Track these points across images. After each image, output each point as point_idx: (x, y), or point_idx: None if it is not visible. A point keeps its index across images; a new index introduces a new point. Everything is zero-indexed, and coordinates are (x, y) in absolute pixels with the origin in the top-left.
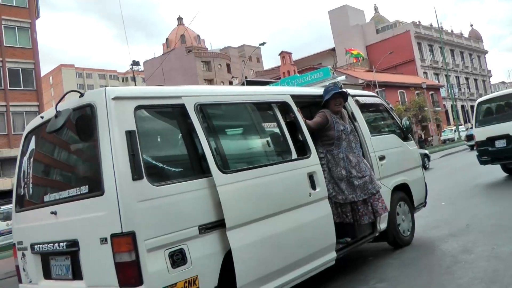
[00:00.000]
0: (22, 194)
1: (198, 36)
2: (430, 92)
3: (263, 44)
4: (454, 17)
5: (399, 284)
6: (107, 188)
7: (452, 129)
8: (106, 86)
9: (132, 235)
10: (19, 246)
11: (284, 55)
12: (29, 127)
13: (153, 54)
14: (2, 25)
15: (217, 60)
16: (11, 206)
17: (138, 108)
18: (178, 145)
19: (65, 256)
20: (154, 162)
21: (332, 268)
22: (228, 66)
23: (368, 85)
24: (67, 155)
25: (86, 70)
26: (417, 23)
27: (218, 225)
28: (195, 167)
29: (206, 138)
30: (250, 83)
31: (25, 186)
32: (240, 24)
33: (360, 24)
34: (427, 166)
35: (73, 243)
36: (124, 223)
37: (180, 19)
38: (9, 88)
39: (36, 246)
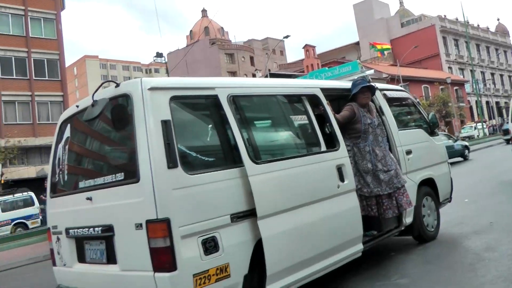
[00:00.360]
0: (56, 180)
1: (222, 28)
2: (455, 88)
3: (287, 37)
4: (481, 11)
5: (421, 281)
6: (143, 176)
7: (472, 126)
8: (129, 77)
9: (167, 222)
10: (54, 230)
11: (308, 48)
12: (64, 116)
13: (177, 46)
14: (28, 17)
15: (240, 53)
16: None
17: (173, 98)
18: (211, 135)
19: (100, 241)
20: (188, 151)
21: (354, 263)
22: (251, 58)
23: (392, 80)
24: (102, 143)
25: (110, 61)
26: (443, 17)
27: (249, 214)
28: (227, 157)
29: (239, 128)
30: (273, 76)
31: (60, 172)
32: (264, 17)
33: (384, 18)
34: (467, 157)
35: (108, 228)
36: (159, 210)
37: (204, 11)
38: (34, 78)
39: (71, 230)
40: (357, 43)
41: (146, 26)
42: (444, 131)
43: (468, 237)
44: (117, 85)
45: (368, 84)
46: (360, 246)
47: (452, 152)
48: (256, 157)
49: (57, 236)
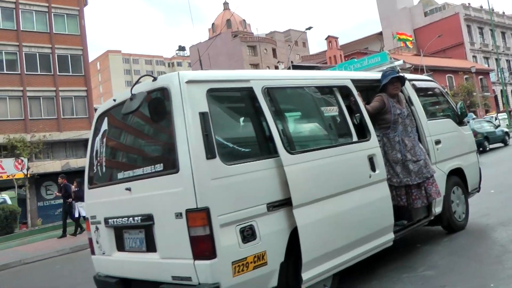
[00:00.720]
0: (94, 172)
1: (244, 20)
2: (479, 77)
3: (309, 28)
4: None
5: (448, 272)
6: (182, 166)
7: (492, 116)
8: (152, 71)
9: (206, 211)
10: (92, 220)
11: (330, 39)
12: (101, 109)
13: (199, 39)
14: (52, 13)
15: (263, 45)
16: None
17: (209, 91)
18: (246, 127)
19: (139, 230)
20: (225, 142)
21: (380, 255)
22: (274, 50)
23: (415, 69)
24: (140, 135)
25: (133, 55)
26: (467, 5)
27: (285, 203)
28: (262, 147)
29: (273, 120)
30: (296, 67)
31: (98, 164)
32: (287, 8)
33: (408, 7)
34: (507, 142)
35: (148, 218)
36: (199, 199)
37: (226, 4)
38: (58, 74)
39: (110, 220)
40: (380, 34)
41: (168, 20)
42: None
43: (495, 229)
44: (155, 79)
45: (398, 75)
46: (391, 235)
47: (494, 138)
48: (291, 147)
49: (96, 225)
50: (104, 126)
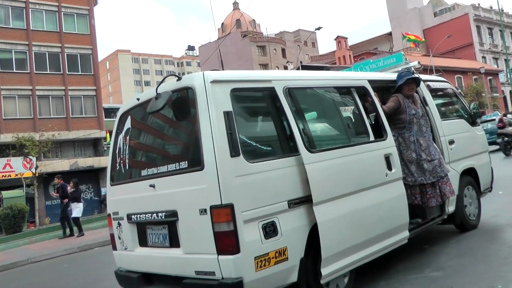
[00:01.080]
0: (117, 169)
1: (254, 20)
2: (488, 77)
3: (318, 28)
4: None
5: (456, 274)
6: (207, 164)
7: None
8: (161, 71)
9: (231, 207)
10: (115, 216)
11: (339, 39)
12: (123, 108)
13: (208, 38)
14: (62, 12)
15: (272, 45)
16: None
17: (233, 90)
18: (268, 125)
19: (163, 226)
20: (248, 140)
21: (387, 256)
22: (283, 50)
23: (424, 70)
24: (164, 134)
25: (142, 55)
26: (477, 5)
27: (305, 200)
28: (283, 146)
29: (294, 119)
30: (305, 68)
31: (121, 162)
32: (296, 9)
33: (417, 7)
34: None
35: (172, 214)
36: (223, 196)
37: (235, 4)
38: (67, 73)
39: (133, 216)
40: (390, 34)
41: (178, 19)
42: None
43: (503, 230)
44: (179, 79)
45: (413, 76)
46: (406, 233)
47: None
48: (311, 146)
49: (118, 221)
50: (128, 124)
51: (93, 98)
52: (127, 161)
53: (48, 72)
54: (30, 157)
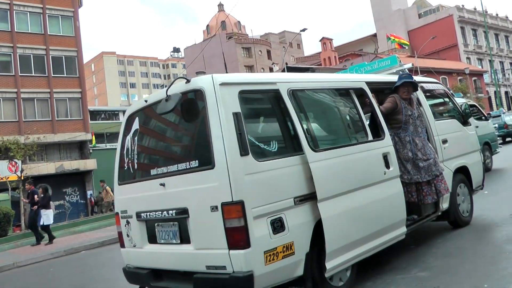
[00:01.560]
0: (125, 169)
1: (239, 22)
2: (473, 78)
3: (303, 30)
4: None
5: (442, 274)
6: (218, 163)
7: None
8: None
9: (241, 204)
10: (123, 214)
11: (325, 41)
12: (131, 109)
13: (193, 40)
14: (47, 14)
15: (257, 47)
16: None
17: (241, 92)
18: (274, 126)
19: (173, 223)
20: (256, 140)
21: (374, 256)
22: (268, 52)
23: (410, 71)
24: (173, 134)
25: (127, 57)
26: (461, 7)
27: (309, 197)
28: (289, 145)
29: (298, 119)
30: (291, 69)
31: (129, 162)
32: (281, 10)
33: (402, 9)
34: None
35: (183, 211)
36: (234, 193)
37: (220, 5)
38: (52, 75)
39: (142, 214)
40: (375, 35)
41: (162, 21)
42: None
43: (489, 229)
44: (188, 81)
45: (412, 80)
46: (403, 229)
47: None
48: (315, 145)
49: (126, 219)
50: (135, 125)
51: (78, 100)
52: (135, 161)
53: (33, 74)
54: (15, 160)
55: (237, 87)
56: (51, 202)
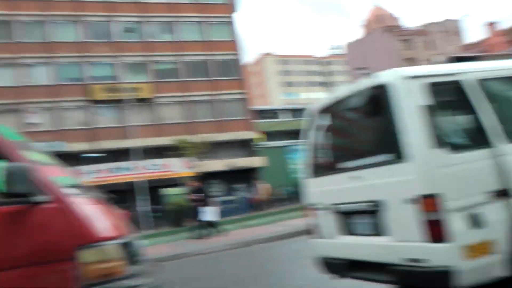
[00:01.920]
0: (316, 163)
1: (395, 14)
2: None
3: (465, 16)
4: None
5: None
6: (411, 156)
7: None
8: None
9: (438, 197)
10: (316, 206)
11: (491, 25)
12: (320, 105)
13: (350, 37)
14: (206, 22)
15: (416, 38)
16: None
17: (428, 85)
18: (464, 118)
19: (367, 215)
20: (446, 132)
21: None
22: (428, 43)
23: None
24: (364, 129)
25: (286, 57)
26: None
27: (504, 193)
28: (480, 138)
29: (490, 111)
30: (460, 59)
31: (321, 156)
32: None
33: None
34: None
35: (377, 204)
36: (430, 186)
37: None
38: (215, 78)
39: (335, 206)
40: None
41: (318, 18)
42: None
43: None
44: (374, 77)
45: None
46: None
47: None
48: (510, 138)
49: (319, 212)
50: (326, 120)
51: (241, 101)
52: (327, 155)
53: (196, 78)
54: (190, 157)
55: (423, 79)
56: (212, 199)
